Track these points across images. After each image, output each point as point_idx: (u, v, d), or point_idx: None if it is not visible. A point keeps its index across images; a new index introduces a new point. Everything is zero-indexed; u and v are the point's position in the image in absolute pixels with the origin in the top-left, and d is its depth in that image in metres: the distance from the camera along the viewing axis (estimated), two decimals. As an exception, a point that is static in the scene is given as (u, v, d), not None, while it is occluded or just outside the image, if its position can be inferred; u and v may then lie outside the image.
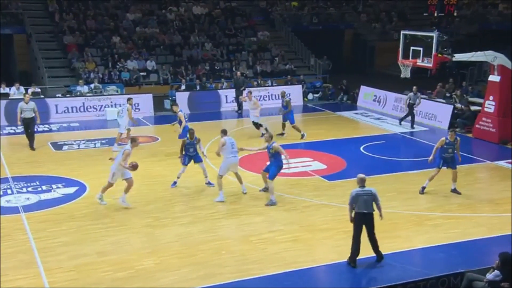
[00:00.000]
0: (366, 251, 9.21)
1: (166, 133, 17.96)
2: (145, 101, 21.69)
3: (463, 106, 19.73)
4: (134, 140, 11.63)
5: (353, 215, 9.09)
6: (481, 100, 19.17)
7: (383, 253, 9.35)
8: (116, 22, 27.60)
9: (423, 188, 12.41)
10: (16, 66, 27.71)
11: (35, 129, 16.93)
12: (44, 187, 12.88)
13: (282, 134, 17.79)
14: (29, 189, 12.78)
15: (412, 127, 19.30)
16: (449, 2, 18.24)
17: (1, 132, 18.32)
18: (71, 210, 11.54)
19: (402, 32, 18.38)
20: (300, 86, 24.82)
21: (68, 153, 16.28)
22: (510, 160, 15.30)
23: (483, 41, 25.35)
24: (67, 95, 22.07)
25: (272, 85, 24.76)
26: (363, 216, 8.99)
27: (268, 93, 23.79)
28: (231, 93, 22.80)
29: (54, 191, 12.68)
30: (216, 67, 26.49)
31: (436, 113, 19.84)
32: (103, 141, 17.50)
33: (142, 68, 25.43)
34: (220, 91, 23.47)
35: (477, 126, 18.01)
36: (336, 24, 33.04)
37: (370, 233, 9.10)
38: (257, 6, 32.31)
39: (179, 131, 15.03)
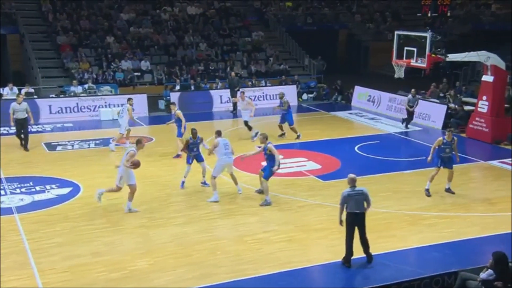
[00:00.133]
0: (360, 251, 9.23)
1: (160, 133, 17.92)
2: (139, 102, 21.58)
3: (456, 106, 19.82)
4: (139, 142, 11.51)
5: (343, 216, 9.07)
6: (474, 100, 19.26)
7: (378, 253, 9.38)
8: (110, 22, 27.52)
9: (427, 190, 12.35)
10: (10, 66, 27.59)
11: (29, 130, 16.85)
12: (37, 188, 12.82)
13: (283, 134, 17.69)
14: (23, 190, 12.72)
15: (406, 127, 19.41)
16: (443, 2, 18.31)
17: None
18: (65, 211, 11.49)
19: (396, 32, 18.44)
20: (295, 86, 24.85)
21: (62, 153, 16.22)
22: (503, 160, 15.39)
23: (476, 41, 25.45)
24: (60, 96, 21.99)
25: (266, 85, 24.78)
26: (355, 216, 9.00)
27: (263, 93, 23.79)
28: (225, 93, 22.78)
29: (48, 192, 12.63)
30: (210, 67, 26.47)
31: (430, 113, 19.91)
32: (97, 142, 17.45)
33: (136, 68, 25.37)
34: (212, 92, 23.43)
35: (470, 126, 18.09)
36: (330, 24, 33.10)
37: (362, 234, 9.10)
38: (252, 6, 32.32)
39: (174, 128, 15.05)
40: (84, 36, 26.30)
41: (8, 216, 11.13)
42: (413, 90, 19.33)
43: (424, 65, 17.02)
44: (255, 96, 23.41)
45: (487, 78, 17.43)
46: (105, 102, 21.30)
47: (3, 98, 20.37)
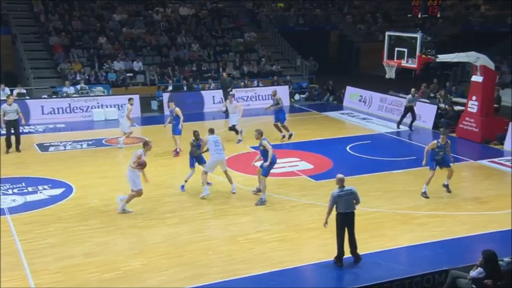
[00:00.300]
0: (352, 250, 9.31)
1: (153, 134, 17.91)
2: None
3: (447, 106, 19.97)
4: (146, 144, 11.47)
5: (333, 216, 9.11)
6: (464, 100, 19.44)
7: (370, 252, 9.48)
8: (102, 23, 27.46)
9: (424, 192, 12.40)
10: (1, 67, 27.41)
11: (21, 131, 16.79)
12: (30, 189, 12.80)
13: (284, 137, 17.48)
14: (15, 190, 12.69)
15: (398, 126, 19.48)
16: (433, 3, 18.45)
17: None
18: (58, 212, 11.49)
19: (386, 33, 18.56)
20: (287, 86, 24.93)
21: (54, 154, 16.19)
22: (493, 159, 15.55)
23: (466, 42, 25.67)
24: (53, 96, 21.92)
25: (258, 86, 24.84)
26: (345, 216, 9.06)
27: (255, 93, 23.84)
28: (217, 94, 22.81)
29: (40, 192, 12.61)
30: (203, 68, 26.49)
31: (420, 113, 20.01)
32: (90, 142, 17.42)
33: (129, 69, 25.34)
34: (203, 92, 23.42)
35: (460, 125, 18.25)
36: (322, 25, 33.22)
37: (350, 234, 9.16)
38: (244, 7, 32.37)
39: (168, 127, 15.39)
40: (76, 36, 26.23)
41: (0, 217, 11.09)
42: (413, 89, 19.44)
43: (415, 66, 17.15)
44: (248, 97, 23.48)
45: (477, 78, 17.60)
46: (98, 103, 21.27)
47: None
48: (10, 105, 16.12)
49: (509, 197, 12.30)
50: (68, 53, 24.98)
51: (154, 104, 22.91)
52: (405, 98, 19.79)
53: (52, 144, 17.21)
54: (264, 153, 11.89)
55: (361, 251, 9.36)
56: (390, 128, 19.74)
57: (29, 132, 18.87)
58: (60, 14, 27.20)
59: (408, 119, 19.45)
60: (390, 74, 17.89)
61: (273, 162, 11.96)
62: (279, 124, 17.60)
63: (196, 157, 12.73)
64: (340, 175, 9.24)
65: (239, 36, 29.17)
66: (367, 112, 22.33)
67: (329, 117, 21.92)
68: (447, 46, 26.44)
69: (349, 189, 9.13)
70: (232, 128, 17.44)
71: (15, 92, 20.84)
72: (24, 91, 21.59)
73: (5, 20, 26.67)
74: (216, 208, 11.87)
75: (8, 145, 16.17)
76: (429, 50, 17.07)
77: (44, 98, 21.48)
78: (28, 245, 9.86)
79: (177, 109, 15.62)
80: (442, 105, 20.30)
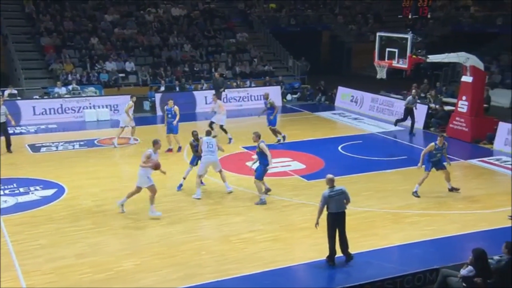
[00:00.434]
0: (344, 249, 9.37)
1: (146, 134, 17.87)
2: (124, 103, 21.52)
3: (437, 106, 20.12)
4: (156, 143, 11.45)
5: (324, 216, 9.16)
6: (454, 100, 19.57)
7: (361, 251, 9.55)
8: (94, 24, 27.37)
9: (416, 192, 12.45)
10: (-8, 67, 27.29)
11: (12, 131, 16.71)
12: (21, 190, 12.76)
13: (279, 139, 17.41)
14: (6, 191, 12.64)
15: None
16: (423, 4, 18.59)
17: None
18: (49, 212, 11.46)
19: (378, 33, 18.69)
20: (279, 87, 24.99)
21: (46, 155, 16.13)
22: (483, 159, 15.69)
23: (456, 43, 25.80)
24: (44, 97, 21.83)
25: (251, 86, 24.89)
26: (336, 216, 9.11)
27: (247, 94, 23.90)
28: (209, 94, 22.76)
29: (32, 193, 12.58)
30: (195, 68, 26.48)
31: (411, 113, 20.12)
32: (82, 143, 17.38)
33: (121, 70, 25.28)
34: (195, 92, 23.43)
35: (450, 125, 18.39)
36: (313, 26, 33.31)
37: (341, 233, 9.21)
38: (236, 8, 32.39)
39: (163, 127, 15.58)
40: (68, 37, 26.12)
41: (-9, 218, 11.07)
42: (413, 91, 19.47)
43: (406, 66, 17.28)
44: (240, 97, 23.51)
45: (467, 78, 17.74)
46: (90, 103, 21.23)
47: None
48: None
49: (499, 195, 12.45)
50: (59, 54, 24.87)
51: (146, 105, 22.88)
52: (396, 98, 19.86)
53: (44, 144, 17.15)
54: (261, 155, 11.92)
55: (352, 250, 9.42)
56: (381, 128, 19.85)
57: (21, 133, 18.79)
58: (51, 14, 27.07)
59: (408, 121, 19.16)
60: (381, 74, 18.01)
61: (265, 165, 11.99)
62: (270, 127, 17.60)
63: (198, 157, 12.81)
64: (330, 175, 9.27)
65: (231, 37, 29.20)
66: (358, 112, 22.45)
67: (321, 117, 22.01)
68: (437, 47, 26.62)
69: (339, 189, 9.18)
70: (222, 128, 17.49)
71: (6, 92, 20.74)
72: (16, 91, 21.50)
73: (-4, 20, 26.53)
74: (208, 208, 11.89)
75: None
76: (419, 51, 17.21)
77: (36, 98, 21.40)
78: (19, 246, 9.83)
79: (176, 107, 16.14)
80: (432, 105, 20.45)
